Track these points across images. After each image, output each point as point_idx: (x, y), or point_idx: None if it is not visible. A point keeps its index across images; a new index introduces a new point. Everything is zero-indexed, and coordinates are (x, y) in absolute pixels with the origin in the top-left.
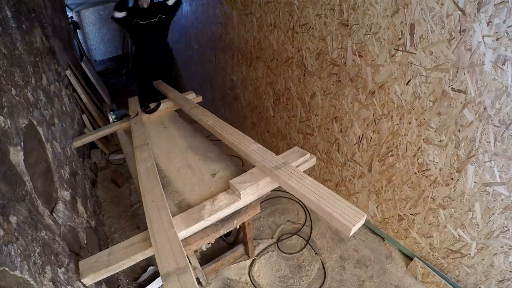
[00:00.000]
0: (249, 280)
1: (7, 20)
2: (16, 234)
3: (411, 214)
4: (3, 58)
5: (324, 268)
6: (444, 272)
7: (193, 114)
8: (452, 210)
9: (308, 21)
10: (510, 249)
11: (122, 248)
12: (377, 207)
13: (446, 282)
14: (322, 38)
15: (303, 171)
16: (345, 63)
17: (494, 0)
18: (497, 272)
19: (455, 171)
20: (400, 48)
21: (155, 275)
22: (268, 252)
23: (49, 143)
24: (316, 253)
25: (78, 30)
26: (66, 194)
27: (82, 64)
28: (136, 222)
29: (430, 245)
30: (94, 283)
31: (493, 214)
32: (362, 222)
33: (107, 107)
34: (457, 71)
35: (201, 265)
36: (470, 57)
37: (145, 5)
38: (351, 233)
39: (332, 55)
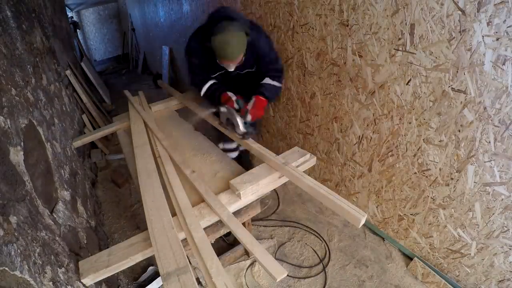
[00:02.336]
0: (245, 283)
1: (7, 20)
2: (16, 234)
3: (411, 214)
4: (3, 58)
5: (324, 268)
6: (444, 272)
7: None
8: (452, 210)
9: (308, 21)
10: (510, 249)
11: (122, 248)
12: (377, 207)
13: (446, 282)
14: (322, 38)
15: (303, 171)
16: (345, 63)
17: (494, 0)
18: (497, 272)
19: (455, 171)
20: (400, 48)
21: (155, 275)
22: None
23: (49, 143)
24: (316, 253)
25: (78, 30)
26: (66, 194)
27: (82, 64)
28: (136, 222)
29: (430, 245)
30: (94, 283)
31: (493, 214)
32: (362, 222)
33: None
34: (457, 71)
35: None
36: (470, 57)
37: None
38: None
39: (332, 55)
